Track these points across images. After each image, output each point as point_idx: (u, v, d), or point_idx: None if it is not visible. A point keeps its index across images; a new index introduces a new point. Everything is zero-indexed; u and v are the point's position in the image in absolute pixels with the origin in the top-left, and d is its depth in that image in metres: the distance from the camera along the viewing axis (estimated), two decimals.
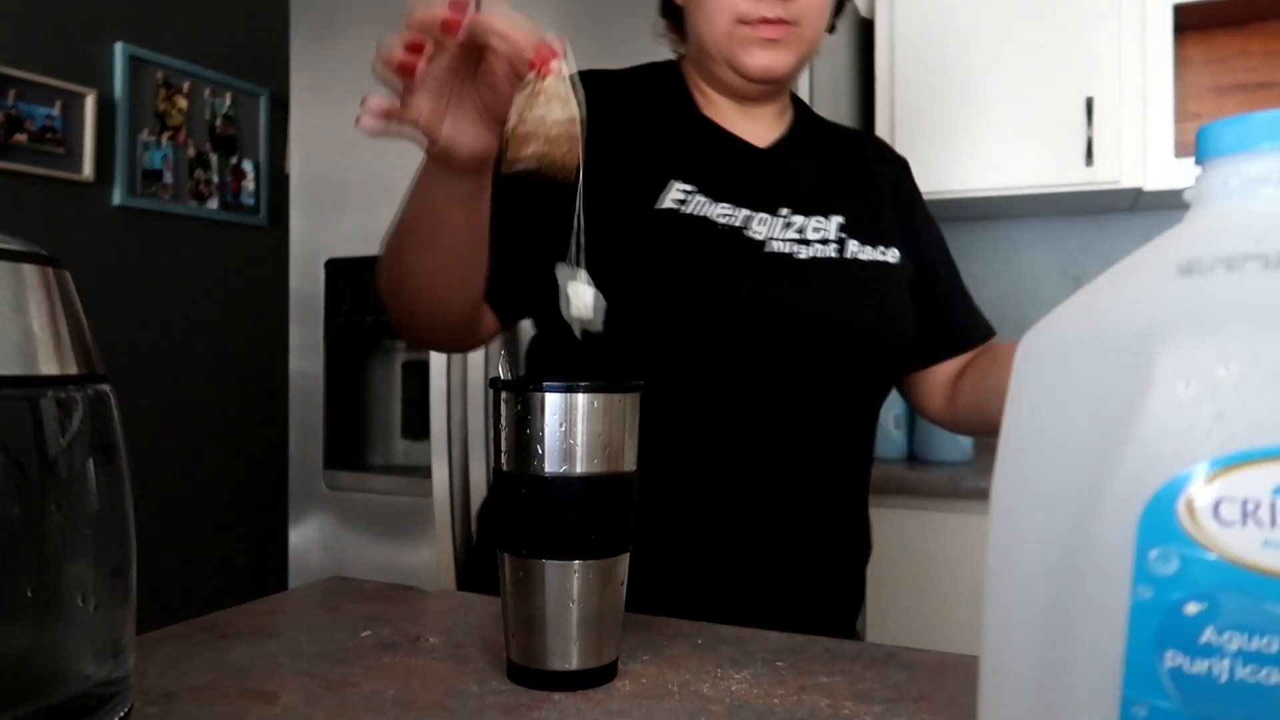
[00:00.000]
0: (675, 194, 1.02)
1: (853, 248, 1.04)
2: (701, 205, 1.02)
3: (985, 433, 1.16)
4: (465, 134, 0.75)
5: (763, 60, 1.03)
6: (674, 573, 0.91)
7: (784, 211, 1.03)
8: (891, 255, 1.07)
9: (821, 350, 0.99)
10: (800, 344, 0.98)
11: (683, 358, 0.95)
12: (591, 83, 1.04)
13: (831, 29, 1.14)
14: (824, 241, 1.03)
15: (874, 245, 1.06)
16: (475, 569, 1.12)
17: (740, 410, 0.96)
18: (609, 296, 0.97)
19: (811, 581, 0.98)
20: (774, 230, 1.02)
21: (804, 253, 1.01)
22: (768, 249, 1.00)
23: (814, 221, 1.04)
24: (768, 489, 0.96)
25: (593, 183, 1.00)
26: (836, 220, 1.05)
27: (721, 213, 1.01)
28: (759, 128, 1.10)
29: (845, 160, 1.14)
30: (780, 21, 1.01)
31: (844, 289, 1.02)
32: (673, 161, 1.04)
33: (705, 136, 1.08)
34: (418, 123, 0.75)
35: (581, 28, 2.00)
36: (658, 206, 1.01)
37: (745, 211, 1.02)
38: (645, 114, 1.09)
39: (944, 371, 1.17)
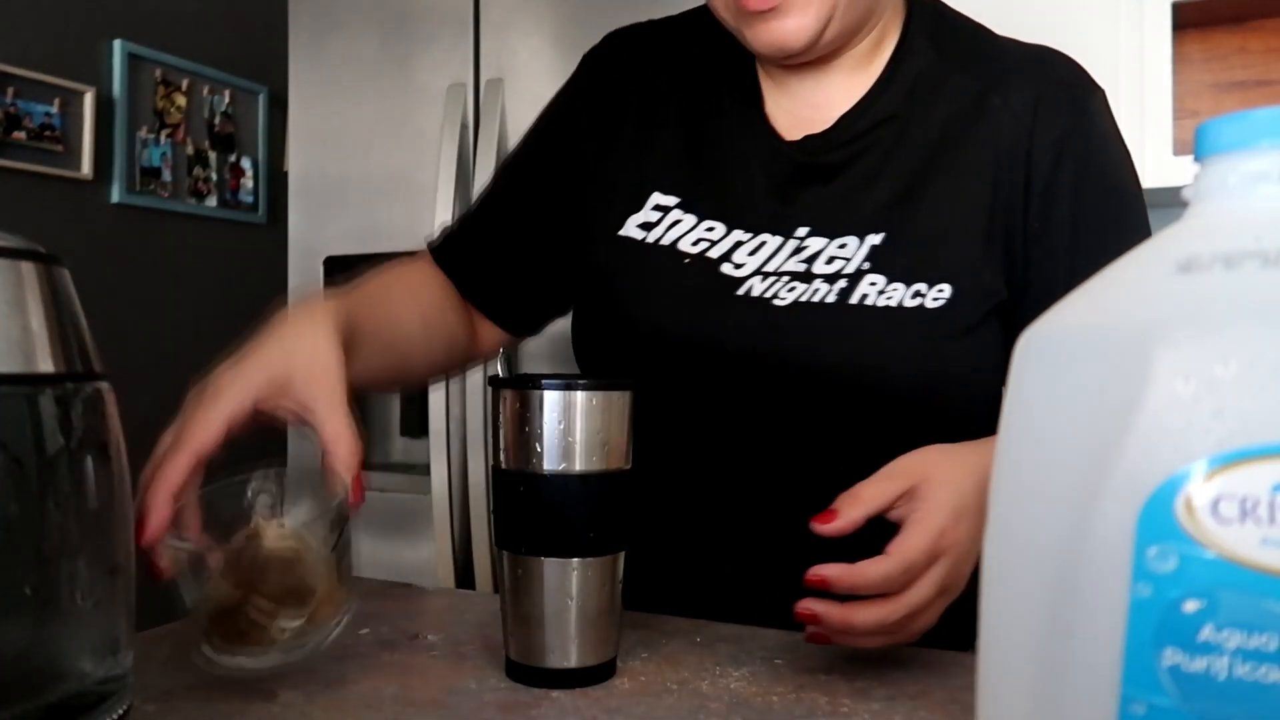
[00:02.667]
0: (648, 213, 0.88)
1: (867, 287, 0.79)
2: (676, 227, 0.87)
3: None
4: None
5: (768, 36, 0.80)
6: (672, 570, 0.90)
7: (801, 232, 0.83)
8: (937, 295, 0.78)
9: (802, 404, 0.82)
10: (774, 398, 0.82)
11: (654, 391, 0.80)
12: (635, 40, 0.98)
13: None
14: (834, 277, 0.80)
15: (909, 281, 0.79)
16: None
17: (731, 426, 0.85)
18: (578, 326, 0.93)
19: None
20: (769, 259, 0.83)
21: (790, 296, 0.81)
22: (741, 290, 0.82)
23: (835, 246, 0.81)
24: (767, 496, 0.86)
25: (577, 179, 0.95)
26: (871, 243, 0.80)
27: (699, 237, 0.85)
28: (824, 100, 0.87)
29: (937, 138, 0.83)
30: None
31: (834, 341, 0.80)
32: (665, 163, 0.90)
33: (724, 119, 0.90)
34: None
35: (581, 19, 2.00)
36: (621, 232, 0.89)
37: (737, 235, 0.85)
38: (681, 74, 0.94)
39: None
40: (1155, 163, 2.14)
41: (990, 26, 0.93)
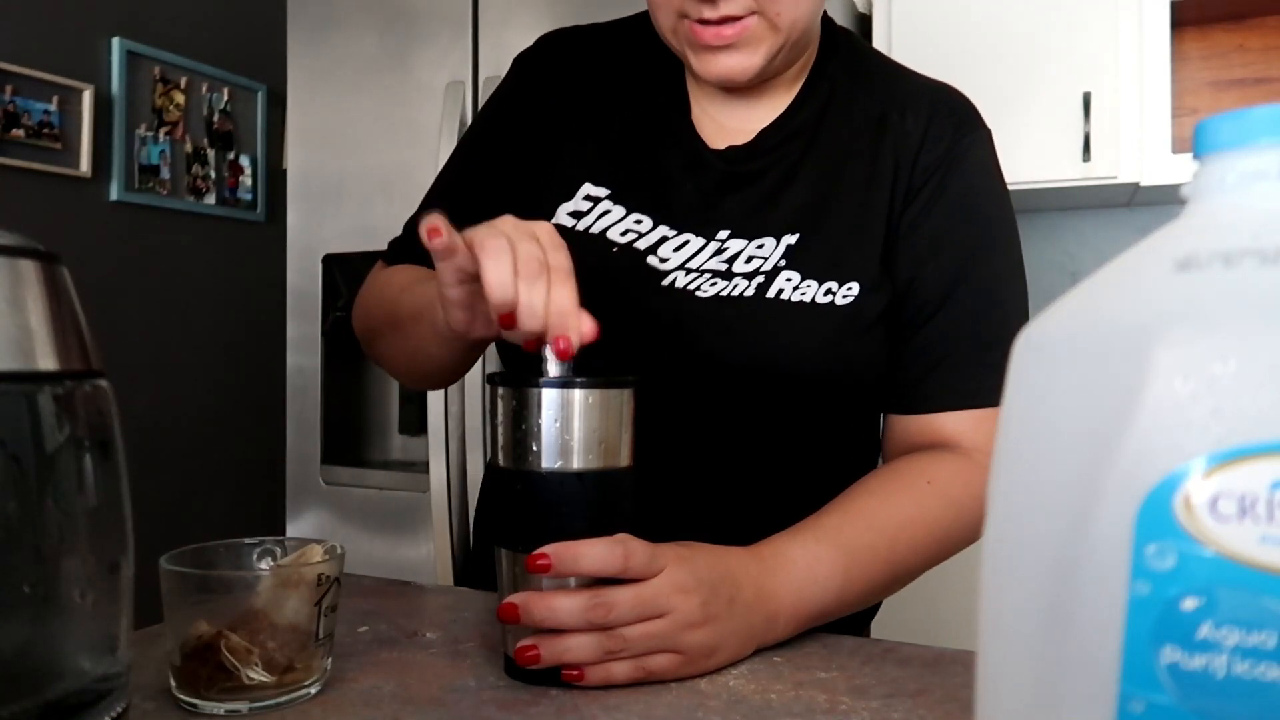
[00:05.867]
0: (578, 202, 0.91)
1: (783, 283, 0.86)
2: (604, 217, 0.90)
3: None
4: (479, 325, 0.73)
5: (717, 69, 0.85)
6: None
7: (722, 235, 0.89)
8: (846, 293, 0.86)
9: (719, 390, 0.87)
10: (693, 385, 0.87)
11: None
12: (566, 42, 1.01)
13: None
14: (752, 275, 0.87)
15: (821, 279, 0.86)
16: (473, 568, 1.10)
17: (652, 412, 0.84)
18: None
19: None
20: (692, 256, 0.88)
21: (711, 289, 0.86)
22: (666, 281, 0.87)
23: (753, 246, 0.88)
24: (688, 475, 0.89)
25: (513, 170, 0.97)
26: (787, 242, 0.87)
27: (628, 228, 0.90)
28: (746, 112, 0.94)
29: (845, 150, 0.91)
30: (727, 20, 0.82)
31: (751, 332, 0.85)
32: (596, 156, 0.93)
33: (654, 124, 0.94)
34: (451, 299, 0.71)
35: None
36: (553, 220, 0.91)
37: (663, 230, 0.89)
38: (612, 76, 0.97)
39: (893, 431, 0.92)
40: (1154, 160, 2.14)
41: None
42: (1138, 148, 2.14)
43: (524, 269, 0.64)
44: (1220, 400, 0.28)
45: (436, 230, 0.65)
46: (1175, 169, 2.12)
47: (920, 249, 0.89)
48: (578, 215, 0.92)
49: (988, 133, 0.94)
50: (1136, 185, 2.17)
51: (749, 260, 0.87)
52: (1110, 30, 2.15)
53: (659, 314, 0.86)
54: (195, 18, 3.10)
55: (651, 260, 0.88)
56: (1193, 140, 0.35)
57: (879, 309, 0.87)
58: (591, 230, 0.90)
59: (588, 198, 0.92)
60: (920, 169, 0.90)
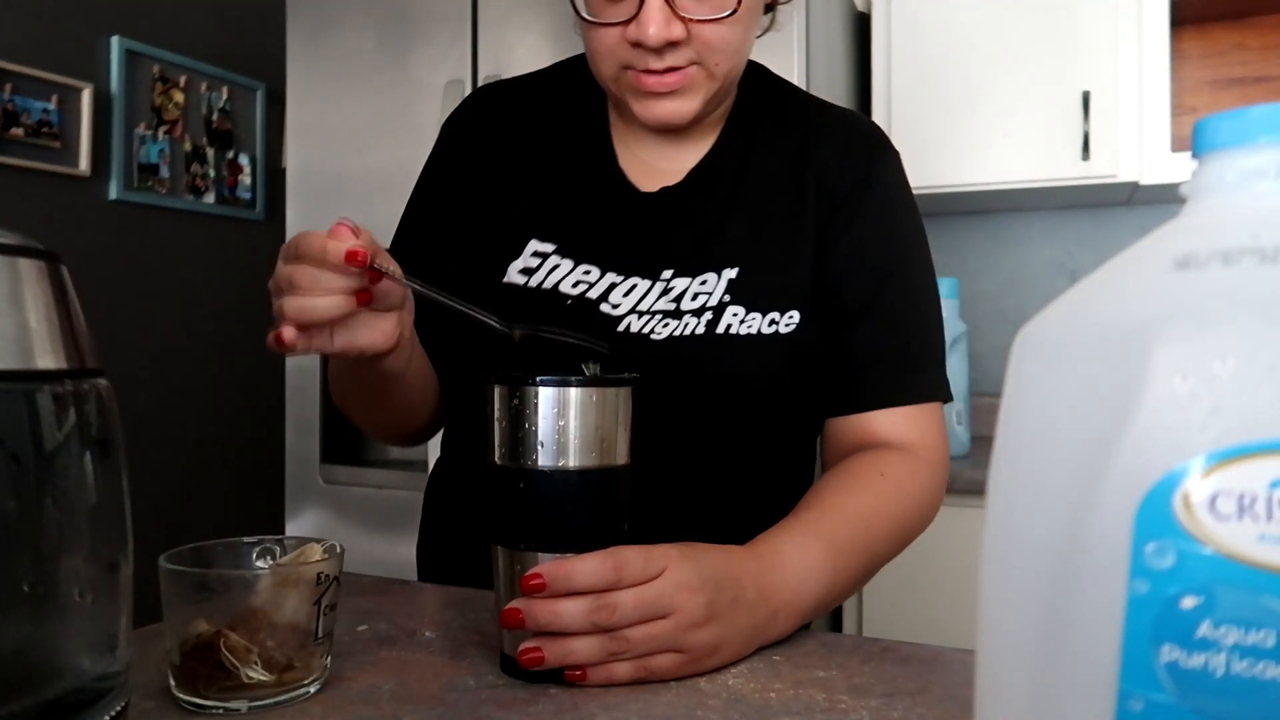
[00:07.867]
0: (527, 259, 0.94)
1: (730, 318, 0.90)
2: (555, 271, 0.93)
3: None
4: (362, 335, 0.74)
5: (659, 113, 0.88)
6: None
7: (666, 275, 0.92)
8: (788, 321, 0.91)
9: (679, 423, 0.90)
10: (653, 423, 0.83)
11: None
12: (492, 100, 1.02)
13: (769, 8, 0.96)
14: (700, 311, 0.90)
15: (764, 311, 0.90)
16: (427, 565, 1.12)
17: (643, 449, 0.83)
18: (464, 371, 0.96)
19: None
20: (641, 299, 0.91)
21: (665, 330, 0.90)
22: (620, 327, 0.90)
23: (697, 283, 0.91)
24: (653, 509, 0.84)
25: (458, 235, 0.99)
26: (728, 276, 0.91)
27: (578, 279, 0.92)
28: (674, 153, 0.97)
29: (771, 183, 0.95)
30: (670, 70, 0.86)
31: (705, 367, 0.89)
32: (538, 212, 0.95)
33: (586, 174, 0.97)
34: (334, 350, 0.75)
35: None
36: (505, 280, 0.93)
37: (611, 277, 0.92)
38: (540, 130, 0.99)
39: (831, 434, 0.96)
40: (1153, 159, 2.14)
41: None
42: (1137, 146, 2.14)
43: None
44: (1219, 399, 0.28)
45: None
46: (1174, 168, 2.12)
47: (841, 263, 0.93)
48: (528, 272, 0.93)
49: (897, 154, 0.99)
50: (1136, 184, 2.17)
51: (695, 297, 0.91)
52: (1109, 29, 2.15)
53: (617, 360, 0.86)
54: (194, 16, 3.10)
55: (604, 308, 0.91)
56: (1192, 139, 0.35)
57: (819, 333, 0.93)
58: (544, 286, 0.92)
59: (536, 254, 0.94)
60: (839, 193, 0.94)
